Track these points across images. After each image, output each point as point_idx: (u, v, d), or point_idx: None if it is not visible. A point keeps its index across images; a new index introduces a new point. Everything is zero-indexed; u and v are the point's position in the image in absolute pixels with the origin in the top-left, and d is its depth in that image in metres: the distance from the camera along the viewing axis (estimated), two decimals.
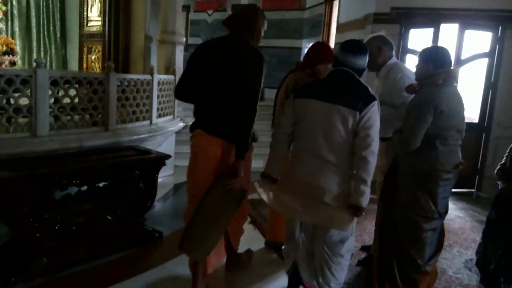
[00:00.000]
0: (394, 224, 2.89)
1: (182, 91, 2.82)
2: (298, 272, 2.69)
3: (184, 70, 2.82)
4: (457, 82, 2.89)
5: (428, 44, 5.69)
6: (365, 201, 2.33)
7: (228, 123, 2.61)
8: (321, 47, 3.44)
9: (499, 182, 3.28)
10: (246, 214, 3.17)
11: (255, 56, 2.64)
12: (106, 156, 3.59)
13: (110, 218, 3.41)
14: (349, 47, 2.51)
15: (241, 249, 3.30)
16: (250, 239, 3.78)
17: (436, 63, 2.73)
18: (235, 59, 2.65)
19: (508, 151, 3.26)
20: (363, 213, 2.36)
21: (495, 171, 3.30)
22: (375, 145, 2.34)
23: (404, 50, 5.89)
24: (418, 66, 2.85)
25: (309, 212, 2.41)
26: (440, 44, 5.66)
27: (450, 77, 2.73)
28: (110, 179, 3.43)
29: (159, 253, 3.43)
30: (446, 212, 2.89)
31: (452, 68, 2.79)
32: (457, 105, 2.74)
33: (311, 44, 9.07)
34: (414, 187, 2.77)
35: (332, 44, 8.17)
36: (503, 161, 3.26)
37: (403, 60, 6.07)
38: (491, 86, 5.70)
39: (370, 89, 2.45)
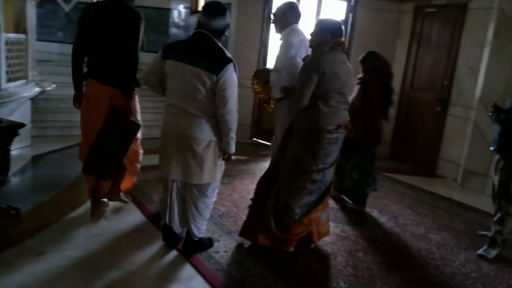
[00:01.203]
0: (279, 175, 3.10)
1: (78, 49, 3.21)
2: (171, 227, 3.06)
3: (77, 31, 3.22)
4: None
5: None
6: (231, 149, 2.79)
7: (115, 73, 3.07)
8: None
9: None
10: (137, 160, 3.62)
11: (133, 15, 3.13)
12: None
13: None
14: (206, 9, 2.73)
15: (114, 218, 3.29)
16: (126, 211, 3.68)
17: (333, 33, 2.96)
18: (118, 19, 3.12)
19: None
20: (232, 158, 2.90)
21: None
22: (232, 102, 2.68)
23: (269, 18, 6.08)
24: (314, 35, 3.03)
25: (181, 171, 2.79)
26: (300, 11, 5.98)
27: (336, 44, 2.98)
28: None
29: (18, 231, 3.14)
30: (329, 167, 3.10)
31: (340, 38, 3.02)
32: (339, 69, 2.97)
33: (180, 5, 8.79)
34: (300, 142, 3.02)
35: (200, 6, 8.07)
36: None
37: (267, 28, 6.28)
38: (345, 52, 6.21)
39: (226, 51, 2.69)
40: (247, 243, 3.22)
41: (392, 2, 6.18)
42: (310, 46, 3.13)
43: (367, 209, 4.20)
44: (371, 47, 4.26)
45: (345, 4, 6.07)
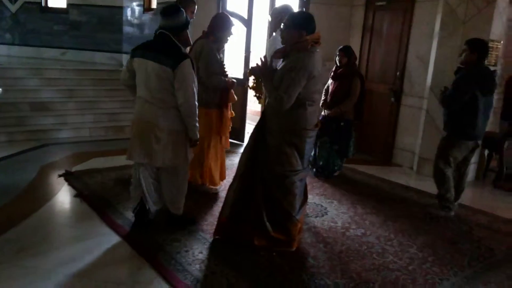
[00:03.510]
0: (262, 180, 3.06)
1: None
2: (143, 209, 3.30)
3: None
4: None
5: (244, 6, 5.96)
6: (193, 135, 3.11)
7: None
8: (219, 18, 3.94)
9: (324, 109, 4.93)
10: None
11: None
12: None
13: None
14: (161, 11, 3.03)
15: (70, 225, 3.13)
16: (79, 213, 3.63)
17: (308, 30, 2.90)
18: None
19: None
20: (196, 143, 3.21)
21: (321, 104, 4.82)
22: (189, 94, 2.97)
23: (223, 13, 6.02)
24: (287, 32, 2.94)
25: (144, 154, 3.07)
26: (254, 6, 5.99)
27: (315, 42, 2.94)
28: None
29: None
30: (308, 165, 3.19)
31: (315, 33, 2.96)
32: (322, 70, 2.99)
33: (133, 3, 8.71)
34: (283, 144, 2.97)
35: (154, 3, 7.93)
36: (323, 97, 4.87)
37: None
38: None
39: (182, 49, 3.04)
40: (208, 241, 3.20)
41: None
42: (283, 43, 3.04)
43: (328, 200, 4.29)
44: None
45: None
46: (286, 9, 4.00)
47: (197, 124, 3.10)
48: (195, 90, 3.03)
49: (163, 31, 2.99)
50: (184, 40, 3.10)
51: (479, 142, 4.12)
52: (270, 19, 4.06)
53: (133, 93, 3.23)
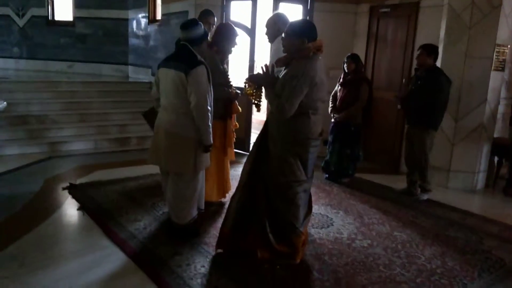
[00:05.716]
0: (265, 190, 3.02)
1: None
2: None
3: None
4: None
5: (248, 15, 5.96)
6: (205, 140, 3.17)
7: None
8: (223, 28, 3.94)
9: (333, 115, 5.13)
10: None
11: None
12: None
13: None
14: (181, 25, 3.24)
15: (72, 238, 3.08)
16: (81, 227, 3.60)
17: (309, 37, 2.89)
18: None
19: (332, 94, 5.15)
20: (209, 149, 3.25)
21: (329, 110, 5.11)
22: (200, 99, 3.07)
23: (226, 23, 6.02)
24: (288, 40, 2.92)
25: (155, 157, 3.29)
26: (258, 16, 5.98)
27: (317, 50, 2.92)
28: None
29: None
30: (312, 175, 3.14)
31: (317, 41, 2.93)
32: (325, 77, 2.97)
33: (138, 15, 8.74)
34: (286, 154, 2.93)
35: (159, 14, 7.97)
36: (331, 104, 5.13)
37: None
38: None
39: (199, 57, 3.17)
40: (210, 254, 3.15)
41: (347, 4, 6.26)
42: (285, 51, 3.01)
43: (334, 210, 4.22)
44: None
45: (301, 7, 6.10)
46: (279, 17, 3.95)
47: (210, 130, 3.18)
48: (208, 96, 3.14)
49: (184, 43, 3.18)
50: (203, 50, 3.32)
51: None
52: (266, 30, 4.01)
53: (157, 106, 3.40)
